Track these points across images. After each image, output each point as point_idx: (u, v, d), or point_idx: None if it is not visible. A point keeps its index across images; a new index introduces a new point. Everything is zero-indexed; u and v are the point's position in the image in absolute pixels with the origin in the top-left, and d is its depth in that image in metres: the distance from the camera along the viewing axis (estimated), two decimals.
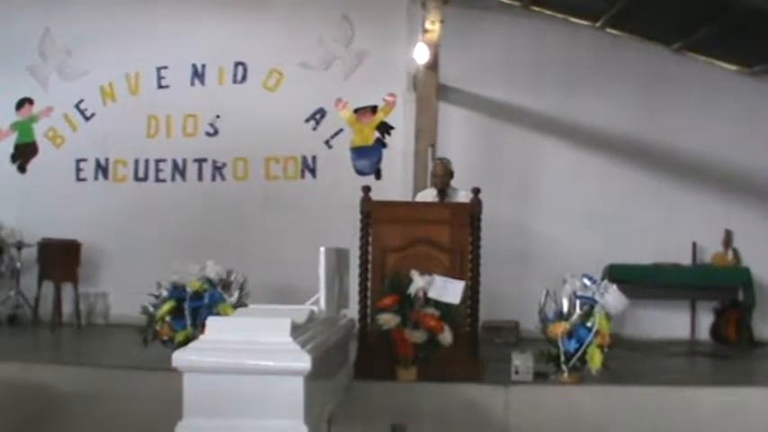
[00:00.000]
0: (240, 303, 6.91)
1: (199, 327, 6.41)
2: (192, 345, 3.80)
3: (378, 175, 10.61)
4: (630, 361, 7.92)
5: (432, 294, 6.32)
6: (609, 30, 10.62)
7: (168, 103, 10.95)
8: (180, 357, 3.67)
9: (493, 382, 6.45)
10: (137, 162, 10.98)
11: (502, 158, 10.55)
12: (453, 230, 6.80)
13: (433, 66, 9.86)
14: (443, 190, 7.78)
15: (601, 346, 6.37)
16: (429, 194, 7.93)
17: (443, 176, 7.81)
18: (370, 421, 5.98)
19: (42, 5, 11.05)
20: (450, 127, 10.29)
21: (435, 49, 9.75)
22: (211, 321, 3.91)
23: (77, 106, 11.09)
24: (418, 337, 6.24)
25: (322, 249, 4.92)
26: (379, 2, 10.75)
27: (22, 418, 6.34)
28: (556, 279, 6.77)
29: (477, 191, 6.90)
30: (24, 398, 6.41)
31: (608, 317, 6.46)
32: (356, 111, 10.74)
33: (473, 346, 6.76)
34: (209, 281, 7.08)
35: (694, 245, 10.30)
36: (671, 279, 10.03)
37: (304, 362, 3.64)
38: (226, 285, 7.22)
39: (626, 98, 10.53)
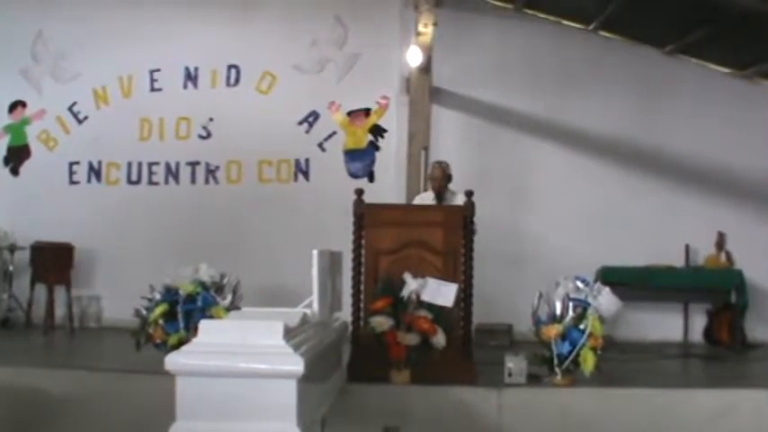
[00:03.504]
0: (233, 306, 6.89)
1: (192, 330, 6.40)
2: (184, 348, 3.79)
3: (371, 177, 10.60)
4: (623, 363, 7.91)
5: (425, 297, 6.31)
6: (601, 32, 10.65)
7: (161, 106, 10.95)
8: (173, 360, 3.66)
9: (486, 384, 6.45)
10: (130, 165, 10.97)
11: (495, 161, 10.55)
12: (446, 233, 6.79)
13: (425, 68, 9.89)
14: (441, 193, 7.79)
15: (594, 349, 6.37)
16: (427, 198, 7.94)
17: (441, 179, 7.83)
18: (364, 424, 5.98)
19: (35, 8, 11.03)
20: (443, 129, 10.31)
21: (428, 52, 9.78)
22: (204, 324, 3.89)
23: (70, 109, 11.07)
24: (411, 339, 6.23)
25: (315, 252, 4.92)
26: (373, 4, 10.75)
27: (15, 421, 6.32)
28: (549, 281, 6.76)
29: (470, 193, 6.90)
30: (17, 401, 6.39)
31: (601, 319, 6.46)
32: (349, 113, 10.75)
33: (466, 349, 6.76)
34: (202, 284, 7.06)
35: (687, 247, 10.32)
36: (664, 281, 10.04)
37: (297, 365, 3.64)
38: (219, 288, 7.21)
39: (619, 101, 10.56)
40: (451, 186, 7.85)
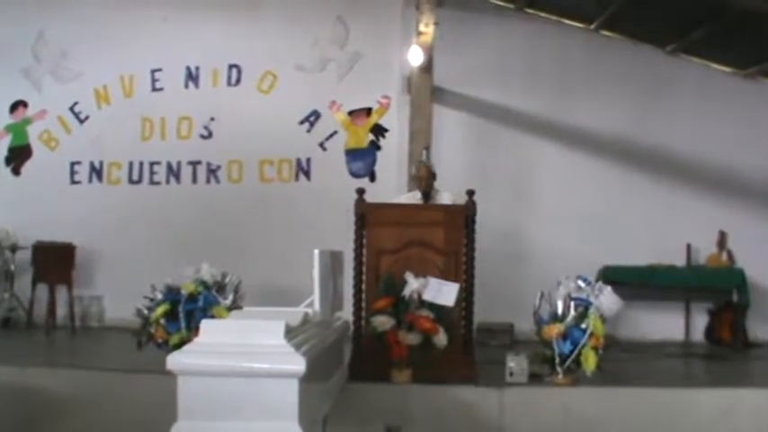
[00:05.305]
0: (235, 306, 6.91)
1: (193, 329, 6.41)
2: (186, 347, 3.79)
3: (372, 177, 10.60)
4: (625, 362, 7.92)
5: (426, 297, 6.31)
6: (603, 32, 10.65)
7: (162, 106, 10.94)
8: (174, 360, 3.65)
9: (487, 383, 6.45)
10: (131, 165, 10.97)
11: (496, 160, 10.55)
12: (448, 232, 6.80)
13: (427, 68, 9.88)
14: (428, 192, 7.80)
15: (595, 348, 6.37)
16: (413, 197, 7.95)
17: (428, 179, 7.84)
18: (365, 423, 5.99)
19: (36, 8, 11.03)
20: (444, 129, 10.30)
21: (429, 52, 9.77)
22: (206, 324, 3.89)
23: (72, 109, 11.07)
24: (413, 339, 6.23)
25: (316, 252, 4.92)
26: (374, 4, 10.75)
27: (17, 421, 6.33)
28: (550, 281, 6.75)
29: (471, 193, 6.90)
30: (18, 401, 6.40)
31: (602, 318, 6.46)
32: (350, 113, 10.74)
33: (468, 348, 6.76)
34: (203, 283, 7.07)
35: (689, 246, 10.31)
36: (665, 280, 10.04)
37: (298, 364, 3.63)
38: (220, 288, 7.22)
39: (620, 100, 10.55)
40: (436, 184, 7.88)
